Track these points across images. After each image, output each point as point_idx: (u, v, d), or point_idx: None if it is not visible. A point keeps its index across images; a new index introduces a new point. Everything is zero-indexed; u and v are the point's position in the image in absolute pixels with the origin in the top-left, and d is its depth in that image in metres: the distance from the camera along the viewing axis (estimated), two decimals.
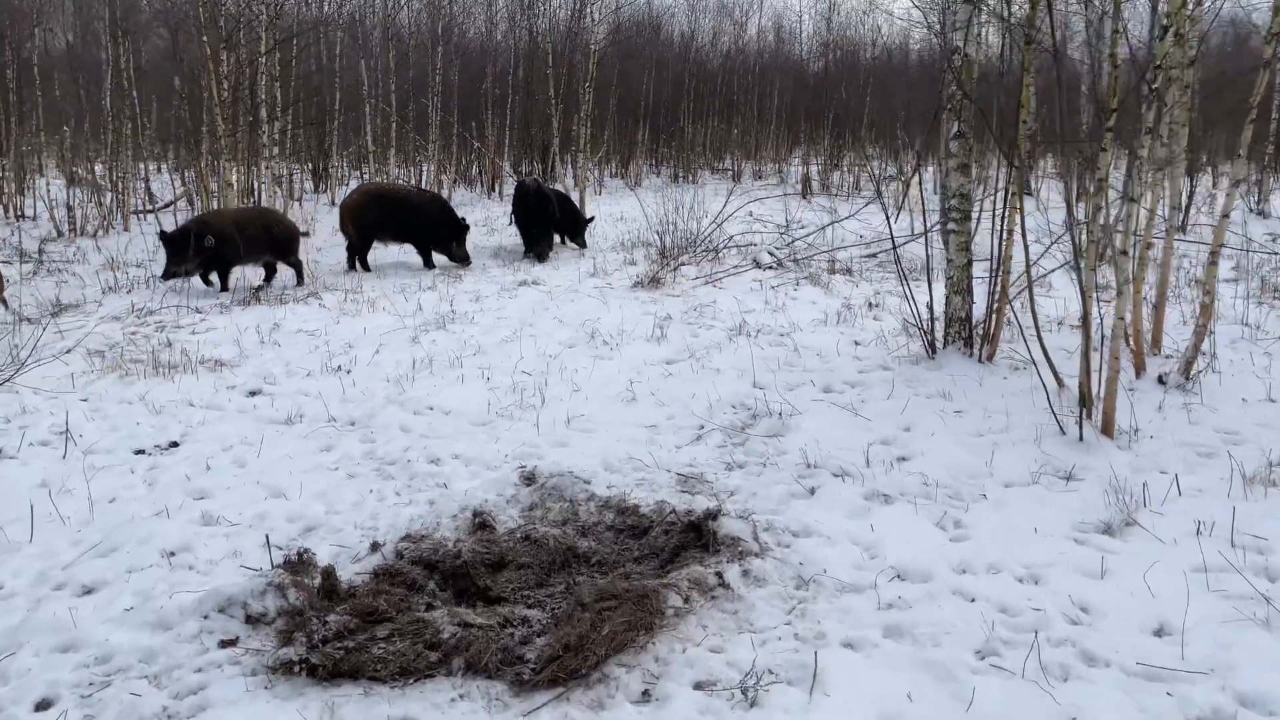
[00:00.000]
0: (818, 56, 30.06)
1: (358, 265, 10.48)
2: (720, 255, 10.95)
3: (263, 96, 10.39)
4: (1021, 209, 5.63)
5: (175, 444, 4.97)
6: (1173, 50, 5.02)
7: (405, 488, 4.37)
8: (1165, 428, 4.95)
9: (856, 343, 7.09)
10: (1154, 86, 4.64)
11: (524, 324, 7.83)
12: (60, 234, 13.25)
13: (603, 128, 24.40)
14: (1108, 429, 4.76)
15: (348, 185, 21.38)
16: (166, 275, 8.63)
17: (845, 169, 24.73)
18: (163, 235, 8.70)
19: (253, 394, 5.83)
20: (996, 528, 3.85)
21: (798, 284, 9.56)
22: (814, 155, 25.08)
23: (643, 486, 4.39)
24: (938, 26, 13.63)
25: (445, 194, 20.12)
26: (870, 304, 8.44)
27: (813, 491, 4.22)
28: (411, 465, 4.61)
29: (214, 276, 9.06)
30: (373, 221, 10.33)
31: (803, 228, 13.24)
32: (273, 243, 9.15)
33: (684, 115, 26.47)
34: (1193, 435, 4.84)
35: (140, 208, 15.99)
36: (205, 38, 10.47)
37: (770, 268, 10.51)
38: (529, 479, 4.28)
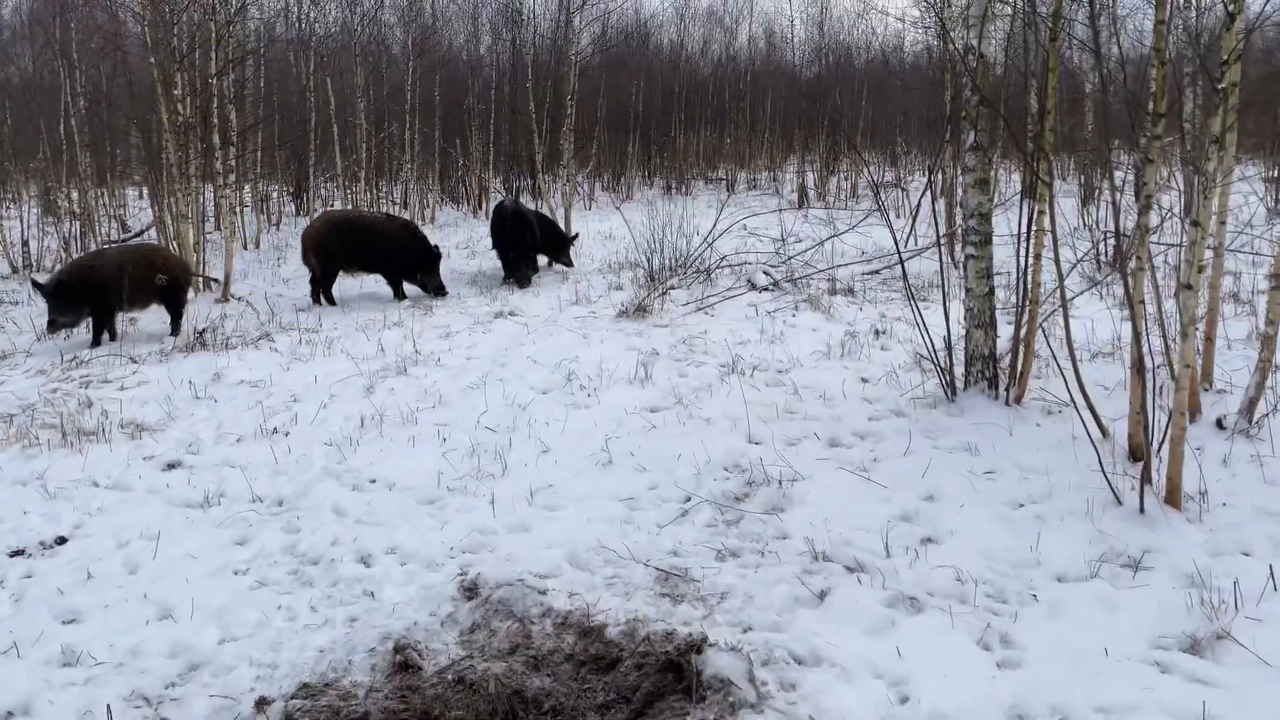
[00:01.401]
0: (811, 62, 29.33)
1: (322, 299, 9.70)
2: (712, 277, 10.18)
3: (215, 120, 9.63)
4: (1055, 227, 4.84)
5: (63, 540, 4.18)
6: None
7: (324, 599, 3.58)
8: (1238, 490, 4.16)
9: (864, 380, 6.30)
10: (1220, 86, 3.87)
11: (495, 364, 7.06)
12: (15, 270, 12.51)
13: (591, 141, 23.68)
14: (1173, 497, 3.97)
15: (331, 207, 20.66)
16: (53, 328, 7.70)
17: (842, 175, 23.99)
18: (37, 285, 7.71)
19: (170, 467, 5.04)
20: (1056, 647, 3.06)
21: (796, 308, 8.78)
22: (809, 162, 24.33)
23: (614, 588, 3.60)
24: (936, 27, 12.87)
25: (429, 214, 19.38)
26: (877, 331, 7.66)
27: (822, 596, 3.43)
28: (336, 567, 3.82)
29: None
30: (336, 251, 9.57)
31: (799, 242, 12.49)
32: (158, 286, 8.24)
33: (675, 125, 25.74)
34: (1273, 500, 4.05)
35: (108, 239, 15.29)
36: (153, 59, 9.71)
37: (766, 289, 9.73)
38: (470, 590, 3.49)
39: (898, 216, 16.52)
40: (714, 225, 10.75)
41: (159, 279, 8.21)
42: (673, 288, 9.75)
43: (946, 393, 5.61)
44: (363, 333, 8.17)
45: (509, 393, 6.23)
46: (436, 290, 10.01)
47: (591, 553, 3.89)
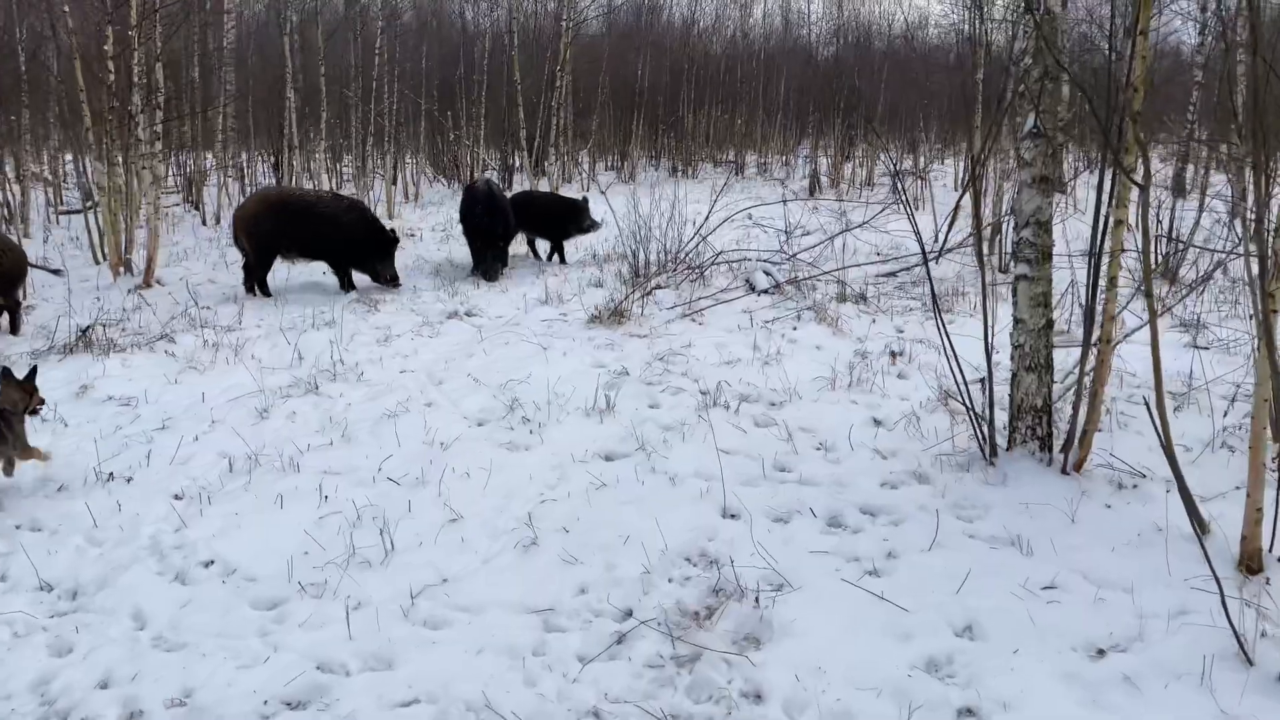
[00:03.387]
0: (828, 42, 27.82)
1: (256, 289, 8.44)
2: (706, 274, 8.88)
3: (136, 79, 8.34)
4: (1148, 247, 3.56)
5: None
6: None
7: None
8: None
9: (876, 422, 5.03)
10: None
11: (430, 382, 5.82)
12: None
13: (591, 117, 22.34)
14: None
15: (316, 182, 19.39)
16: None
17: (858, 160, 22.61)
18: None
19: None
20: None
21: (798, 317, 7.49)
22: (823, 147, 22.91)
23: None
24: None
25: (411, 191, 18.07)
26: (892, 353, 6.37)
27: None
28: None
29: None
30: (271, 234, 8.28)
31: (807, 234, 11.16)
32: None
33: (683, 104, 24.33)
34: None
35: (58, 208, 14.07)
36: (67, 8, 8.43)
37: (766, 292, 8.45)
38: None
39: (919, 208, 15.19)
40: (707, 215, 9.42)
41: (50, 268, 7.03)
42: (659, 287, 8.47)
43: (983, 450, 4.34)
44: (285, 333, 6.92)
45: (433, 425, 4.98)
46: (390, 281, 8.76)
47: (472, 716, 2.64)
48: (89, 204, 13.58)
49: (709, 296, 8.08)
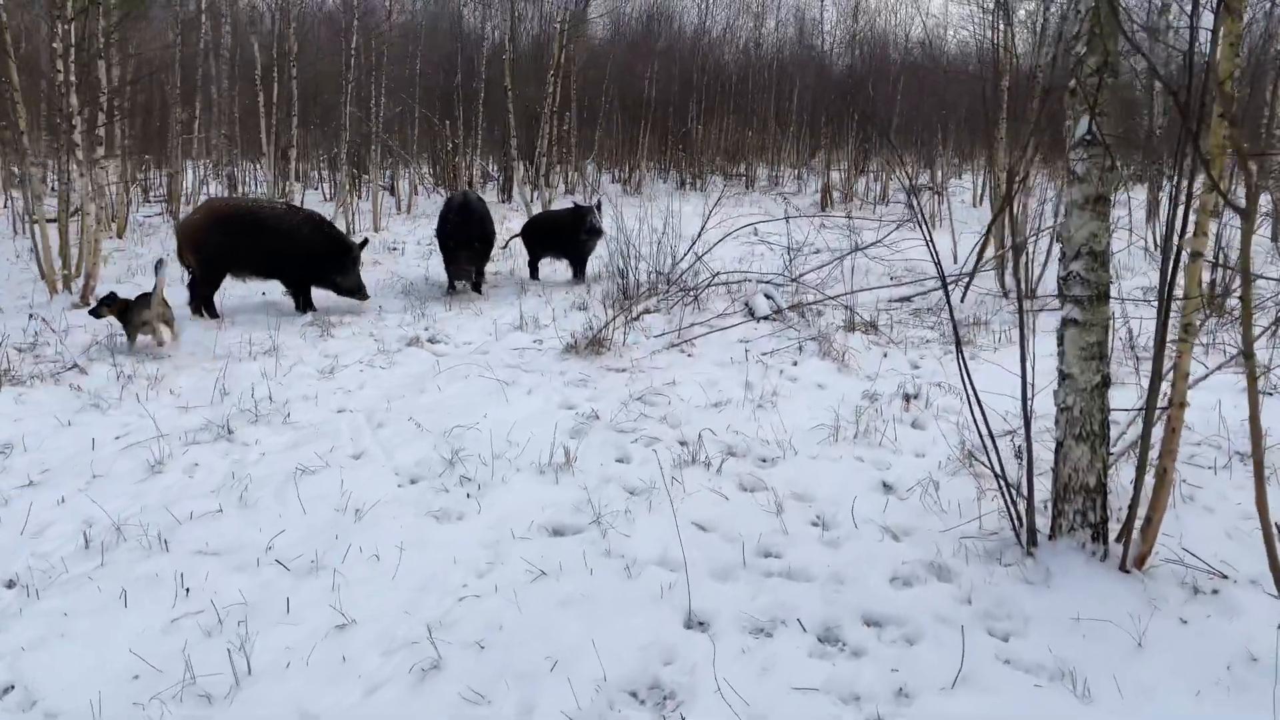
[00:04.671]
0: (843, 53, 26.99)
1: (202, 310, 7.64)
2: (700, 299, 8.03)
3: (71, 79, 7.58)
4: (1248, 293, 2.70)
5: None
6: None
7: None
8: None
9: (887, 487, 4.18)
10: None
11: (368, 425, 5.00)
12: None
13: (596, 127, 21.61)
14: None
15: (313, 189, 18.68)
16: None
17: (872, 174, 21.75)
18: None
19: None
20: None
21: (800, 348, 6.64)
22: (837, 161, 22.06)
23: None
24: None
25: (403, 203, 17.30)
26: (906, 396, 5.51)
27: None
28: None
29: None
30: (219, 249, 7.48)
31: (816, 252, 10.30)
32: None
33: (692, 115, 23.52)
34: None
35: (32, 216, 13.36)
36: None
37: (766, 318, 7.59)
38: None
39: (936, 226, 14.26)
40: (700, 231, 8.57)
41: None
42: (648, 311, 7.64)
43: (1019, 535, 3.47)
44: (217, 362, 6.10)
45: (352, 485, 4.15)
46: (354, 293, 7.94)
47: None
48: (35, 216, 12.85)
49: (703, 323, 7.23)
